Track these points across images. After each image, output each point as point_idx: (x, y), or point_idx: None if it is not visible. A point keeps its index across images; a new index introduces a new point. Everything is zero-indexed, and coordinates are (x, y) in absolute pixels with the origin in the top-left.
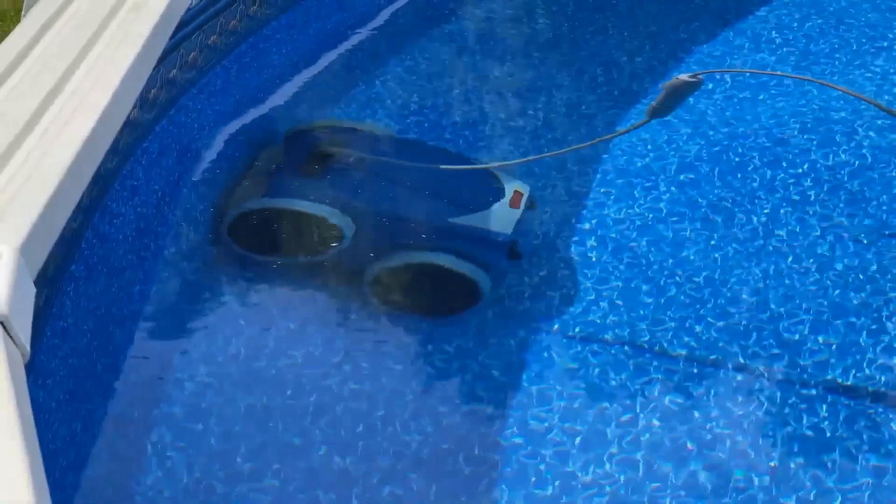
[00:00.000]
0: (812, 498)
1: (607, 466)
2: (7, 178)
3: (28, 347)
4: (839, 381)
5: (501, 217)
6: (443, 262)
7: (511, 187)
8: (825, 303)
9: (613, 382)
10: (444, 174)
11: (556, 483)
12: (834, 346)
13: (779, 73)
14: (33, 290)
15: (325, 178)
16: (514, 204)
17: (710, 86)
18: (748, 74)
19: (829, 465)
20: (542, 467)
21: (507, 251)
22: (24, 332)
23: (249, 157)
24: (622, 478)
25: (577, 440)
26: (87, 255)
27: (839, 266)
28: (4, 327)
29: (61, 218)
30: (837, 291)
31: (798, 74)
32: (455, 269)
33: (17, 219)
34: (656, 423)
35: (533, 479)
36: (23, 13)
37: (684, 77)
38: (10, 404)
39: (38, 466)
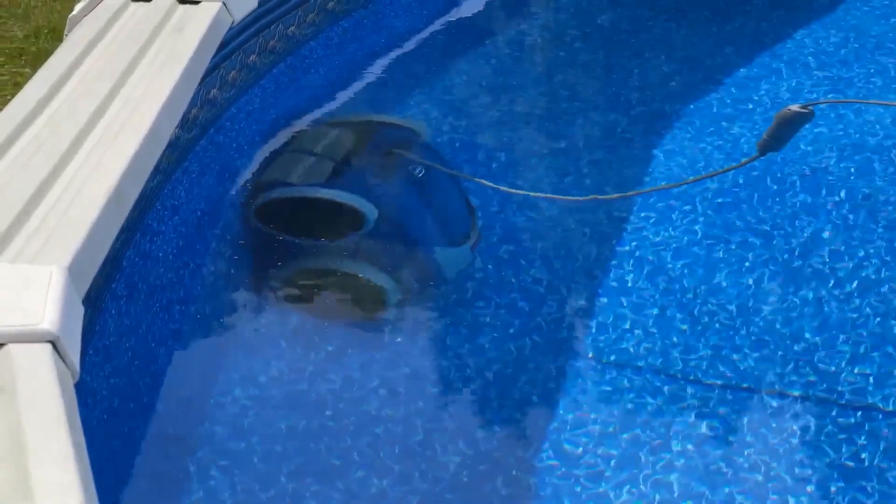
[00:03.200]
0: None
1: (642, 488)
2: (54, 199)
3: (78, 367)
4: (879, 408)
5: (462, 259)
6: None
7: (476, 230)
8: (864, 332)
9: (649, 407)
10: (450, 199)
11: None
12: (871, 378)
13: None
14: (81, 309)
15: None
16: (473, 247)
17: (750, 106)
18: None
19: (869, 489)
20: (577, 489)
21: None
22: (74, 352)
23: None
24: (657, 497)
25: (612, 463)
26: (129, 273)
27: (882, 290)
28: (55, 347)
29: (108, 237)
30: (878, 319)
31: None
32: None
33: (64, 239)
34: (691, 447)
35: (567, 501)
36: (65, 33)
37: (795, 108)
38: (63, 425)
39: (90, 489)
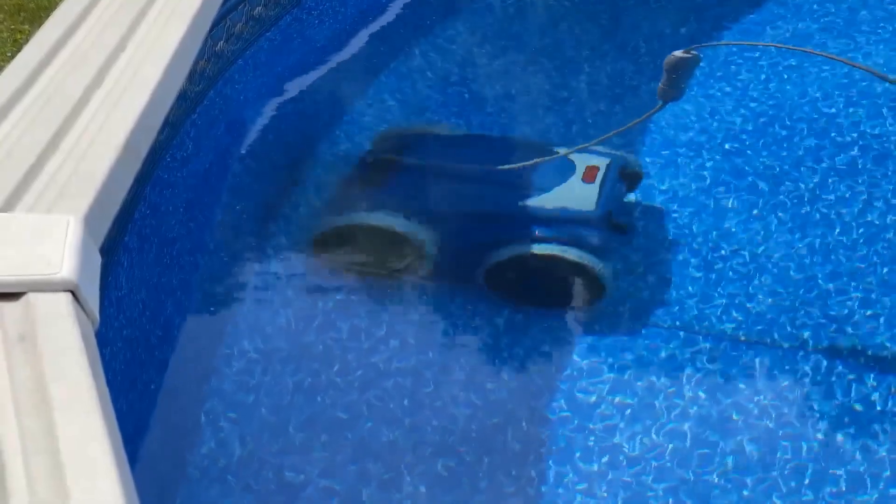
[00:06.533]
0: (862, 469)
1: (655, 437)
2: (67, 150)
3: (97, 316)
4: (887, 349)
5: (574, 193)
6: (547, 251)
7: (582, 162)
8: (873, 280)
9: (663, 354)
10: (509, 163)
11: (605, 457)
12: (882, 318)
13: (779, 45)
14: (99, 258)
15: (389, 187)
16: (587, 178)
17: (757, 54)
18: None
19: (880, 436)
20: (591, 440)
21: (605, 226)
22: (94, 301)
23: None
24: (670, 447)
25: (628, 412)
26: (140, 226)
27: (889, 235)
28: (75, 296)
29: (123, 187)
30: (886, 269)
31: (796, 46)
32: (561, 255)
33: (80, 189)
34: (703, 395)
35: (579, 453)
36: None
37: (678, 53)
38: (86, 374)
39: (115, 436)
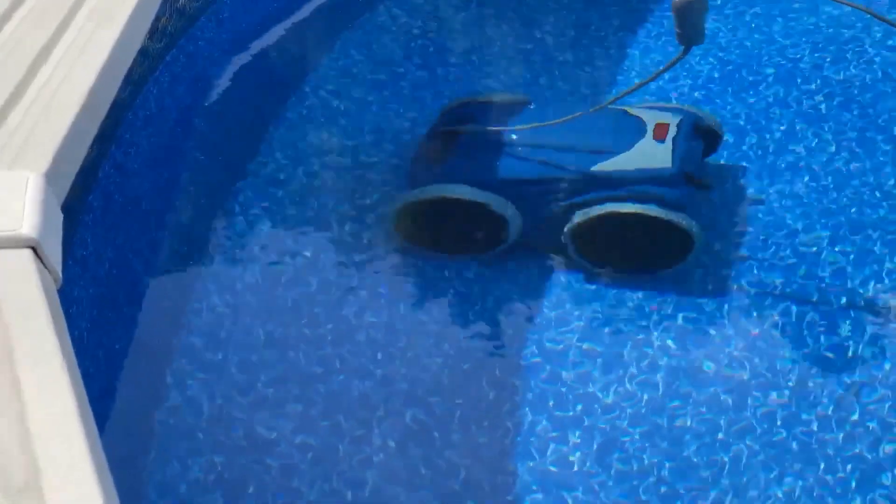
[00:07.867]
0: (831, 412)
1: (628, 386)
2: (26, 107)
3: (60, 273)
4: (858, 294)
5: (648, 152)
6: (631, 209)
7: (652, 120)
8: (842, 218)
9: (630, 303)
10: (578, 126)
11: (579, 406)
12: (851, 260)
13: None
14: (61, 215)
15: (455, 158)
16: (658, 136)
17: (719, 2)
18: None
19: (848, 380)
20: (563, 389)
21: (685, 183)
22: (56, 258)
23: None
24: (645, 397)
25: (598, 361)
26: (104, 184)
27: (855, 182)
28: (36, 252)
29: (84, 143)
30: (854, 208)
31: None
32: (648, 213)
33: (40, 146)
34: (672, 344)
35: (552, 402)
36: None
37: None
38: (49, 328)
39: (80, 390)
